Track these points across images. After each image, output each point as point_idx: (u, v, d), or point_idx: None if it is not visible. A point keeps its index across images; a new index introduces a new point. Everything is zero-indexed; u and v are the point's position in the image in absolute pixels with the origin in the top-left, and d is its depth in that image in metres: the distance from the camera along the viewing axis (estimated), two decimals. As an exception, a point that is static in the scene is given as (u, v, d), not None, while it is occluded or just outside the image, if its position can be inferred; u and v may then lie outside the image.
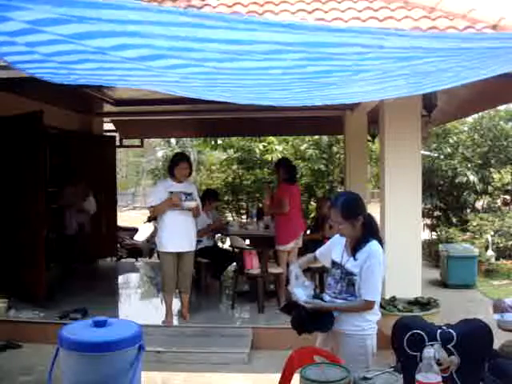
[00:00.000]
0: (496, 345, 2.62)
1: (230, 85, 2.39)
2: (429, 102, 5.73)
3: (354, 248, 2.83)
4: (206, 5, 4.78)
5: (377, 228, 2.96)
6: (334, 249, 3.00)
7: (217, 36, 1.63)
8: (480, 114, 10.80)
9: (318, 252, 3.16)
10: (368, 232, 2.84)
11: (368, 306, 2.78)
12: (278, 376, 2.56)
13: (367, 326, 2.81)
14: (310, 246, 6.46)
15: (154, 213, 5.32)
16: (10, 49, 1.99)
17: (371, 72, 2.08)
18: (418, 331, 2.28)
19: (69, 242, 7.56)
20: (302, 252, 6.21)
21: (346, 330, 2.81)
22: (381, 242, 2.87)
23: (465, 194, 10.74)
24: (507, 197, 11.29)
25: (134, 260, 9.49)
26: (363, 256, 2.78)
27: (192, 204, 5.21)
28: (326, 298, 2.91)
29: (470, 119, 11.61)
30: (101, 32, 1.67)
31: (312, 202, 11.56)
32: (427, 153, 10.81)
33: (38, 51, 1.99)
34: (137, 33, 1.66)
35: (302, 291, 2.86)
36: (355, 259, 2.80)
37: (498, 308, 3.14)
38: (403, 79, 2.34)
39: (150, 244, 9.23)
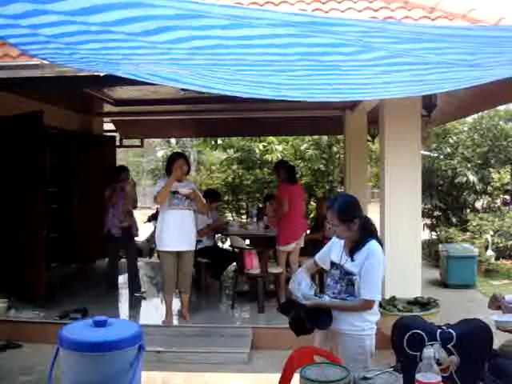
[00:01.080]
0: (496, 345, 2.63)
1: (233, 62, 2.35)
2: (429, 101, 5.73)
3: (352, 249, 2.84)
4: (205, 5, 4.77)
5: (375, 229, 2.96)
6: (332, 250, 3.00)
7: (221, 11, 1.63)
8: (480, 114, 10.80)
9: (317, 257, 3.16)
10: (366, 234, 2.84)
11: (367, 305, 2.78)
12: (277, 376, 2.56)
13: (366, 327, 2.81)
14: (310, 245, 6.47)
15: (160, 197, 5.24)
16: (13, 31, 1.98)
17: (374, 52, 2.04)
18: (418, 331, 2.29)
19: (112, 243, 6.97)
20: (302, 251, 6.22)
21: (345, 330, 2.82)
22: (380, 243, 2.87)
23: (464, 193, 10.75)
24: (507, 197, 11.30)
25: (133, 260, 9.47)
26: (362, 256, 2.78)
27: (185, 191, 5.19)
28: (326, 298, 2.91)
29: (469, 119, 11.62)
30: (105, 5, 1.67)
31: (312, 202, 11.56)
32: (427, 153, 10.81)
33: (42, 33, 1.98)
34: (140, 3, 1.66)
35: (304, 289, 2.87)
36: (353, 260, 2.81)
37: (495, 302, 3.12)
38: (407, 71, 2.31)
39: (150, 244, 9.22)
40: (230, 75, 2.66)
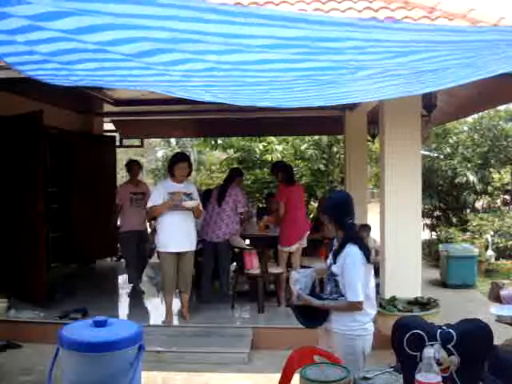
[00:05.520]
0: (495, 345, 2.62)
1: (231, 83, 2.37)
2: (429, 102, 5.73)
3: (335, 252, 2.94)
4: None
5: (357, 236, 3.00)
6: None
7: (215, 30, 1.62)
8: (480, 113, 10.80)
9: (328, 260, 3.20)
10: (347, 239, 2.90)
11: (353, 306, 2.82)
12: (277, 376, 2.56)
13: (356, 327, 2.84)
14: (311, 246, 6.47)
15: (154, 213, 5.32)
16: (9, 49, 1.97)
17: (370, 70, 2.06)
18: (418, 331, 2.28)
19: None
20: (303, 251, 6.21)
21: (336, 328, 2.88)
22: (363, 249, 2.88)
23: (465, 194, 10.75)
24: (507, 197, 11.30)
25: (134, 260, 9.47)
26: (342, 258, 2.87)
27: (193, 204, 5.21)
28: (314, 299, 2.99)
29: (470, 119, 11.62)
30: (100, 25, 1.66)
31: (312, 202, 11.57)
32: (427, 153, 10.81)
33: (39, 51, 1.97)
34: (136, 26, 1.65)
35: (301, 285, 2.99)
36: (335, 262, 2.91)
37: (495, 289, 3.16)
38: (403, 78, 2.33)
39: (150, 244, 9.21)
40: (228, 95, 2.68)
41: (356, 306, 2.81)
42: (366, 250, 2.89)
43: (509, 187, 10.87)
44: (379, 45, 1.71)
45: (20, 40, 1.87)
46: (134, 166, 6.93)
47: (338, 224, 2.93)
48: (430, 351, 1.92)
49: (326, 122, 9.05)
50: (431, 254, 9.73)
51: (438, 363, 2.06)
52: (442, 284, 7.83)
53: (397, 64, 1.97)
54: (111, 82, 2.57)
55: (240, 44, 1.73)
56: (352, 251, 2.85)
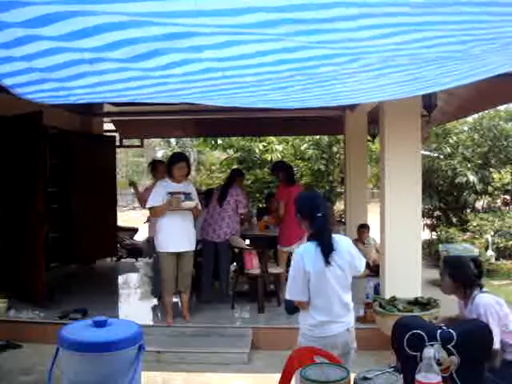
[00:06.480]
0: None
1: (227, 87, 2.36)
2: (429, 101, 5.73)
3: None
4: None
5: (317, 233, 2.86)
6: None
7: (206, 7, 1.59)
8: (480, 114, 10.80)
9: None
10: (311, 235, 2.90)
11: (296, 302, 2.89)
12: (277, 376, 2.55)
13: (301, 325, 2.91)
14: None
15: (154, 214, 5.31)
16: (8, 67, 1.94)
17: (368, 59, 2.04)
18: (418, 331, 2.28)
19: None
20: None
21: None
22: (321, 243, 2.81)
23: (465, 194, 10.75)
24: (507, 197, 11.30)
25: (133, 260, 9.49)
26: None
27: (191, 204, 5.21)
28: None
29: (470, 119, 11.62)
30: (94, 28, 1.65)
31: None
32: (427, 153, 10.81)
33: (36, 67, 1.94)
34: (131, 24, 1.63)
35: None
36: None
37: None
38: (402, 71, 2.31)
39: (150, 244, 9.22)
40: (228, 99, 2.68)
41: (298, 303, 2.89)
42: (321, 244, 2.80)
43: (509, 187, 10.86)
44: (370, 12, 1.63)
45: (17, 55, 1.84)
46: (159, 166, 6.43)
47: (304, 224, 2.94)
48: (430, 351, 1.92)
49: (326, 122, 9.06)
50: (431, 254, 9.73)
51: (438, 363, 2.06)
52: (442, 284, 7.83)
53: (393, 48, 1.93)
54: (111, 98, 2.56)
55: (231, 25, 1.68)
56: (295, 251, 2.91)
